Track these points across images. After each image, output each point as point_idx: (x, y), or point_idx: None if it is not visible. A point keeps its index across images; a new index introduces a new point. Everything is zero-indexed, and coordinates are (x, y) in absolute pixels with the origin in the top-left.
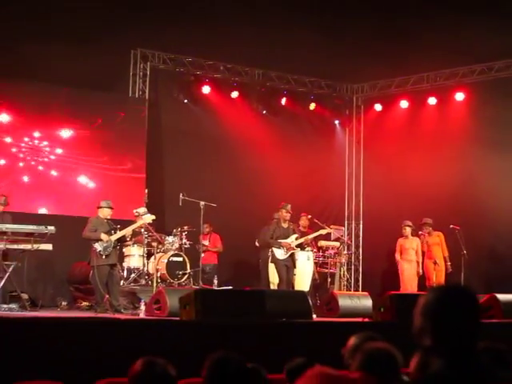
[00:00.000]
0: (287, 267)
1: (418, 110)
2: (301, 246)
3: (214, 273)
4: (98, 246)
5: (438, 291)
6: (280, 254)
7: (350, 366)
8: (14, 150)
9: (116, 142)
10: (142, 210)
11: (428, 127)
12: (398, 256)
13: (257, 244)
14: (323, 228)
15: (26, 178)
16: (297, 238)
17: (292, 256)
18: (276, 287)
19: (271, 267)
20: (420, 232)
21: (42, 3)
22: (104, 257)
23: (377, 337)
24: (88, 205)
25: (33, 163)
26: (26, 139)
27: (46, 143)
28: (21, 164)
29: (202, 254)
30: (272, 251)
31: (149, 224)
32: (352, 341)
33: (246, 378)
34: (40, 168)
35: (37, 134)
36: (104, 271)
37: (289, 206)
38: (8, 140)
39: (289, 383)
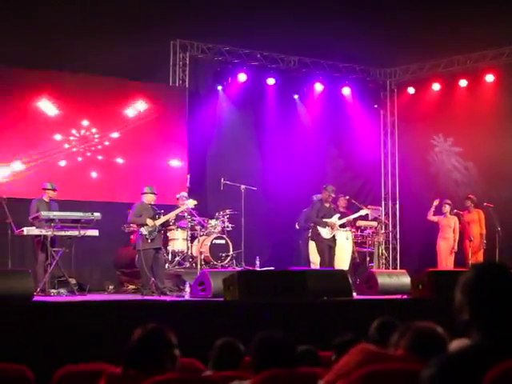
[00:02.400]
0: (330, 247)
1: (449, 92)
2: (342, 226)
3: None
4: (143, 231)
5: (475, 268)
6: (325, 233)
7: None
8: (60, 138)
9: (159, 130)
10: (183, 194)
11: (460, 108)
12: (429, 214)
13: (297, 227)
14: (361, 208)
15: (71, 167)
16: (339, 218)
17: (334, 236)
18: (317, 266)
19: (311, 247)
20: (456, 211)
21: None
22: (149, 241)
23: (395, 321)
24: (132, 191)
25: (77, 151)
26: (73, 130)
27: (90, 132)
28: (66, 151)
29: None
30: (316, 230)
31: (191, 208)
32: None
33: (291, 356)
34: (85, 156)
35: (82, 123)
36: (149, 255)
37: (332, 187)
38: (55, 129)
39: (336, 358)
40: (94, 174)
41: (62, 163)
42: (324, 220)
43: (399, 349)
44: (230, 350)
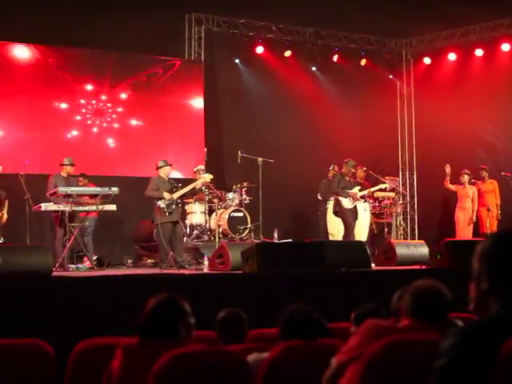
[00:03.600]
0: (353, 218)
1: (465, 61)
2: (363, 198)
3: (93, 225)
4: (161, 204)
5: (493, 237)
6: (347, 203)
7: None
8: (75, 114)
9: (175, 103)
10: (201, 167)
11: (476, 78)
12: (446, 183)
13: (319, 197)
14: (378, 179)
15: (88, 142)
16: (359, 190)
17: (355, 207)
18: (335, 238)
19: (330, 218)
20: (473, 180)
21: None
22: (167, 214)
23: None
24: (150, 165)
25: (93, 126)
26: (89, 106)
27: (106, 107)
28: (88, 122)
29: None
30: (339, 201)
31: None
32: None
33: (317, 329)
34: (102, 131)
35: (98, 98)
36: (167, 228)
37: (353, 162)
38: (72, 105)
39: (355, 328)
40: (111, 149)
41: (79, 138)
42: (345, 190)
43: (403, 318)
44: (232, 322)
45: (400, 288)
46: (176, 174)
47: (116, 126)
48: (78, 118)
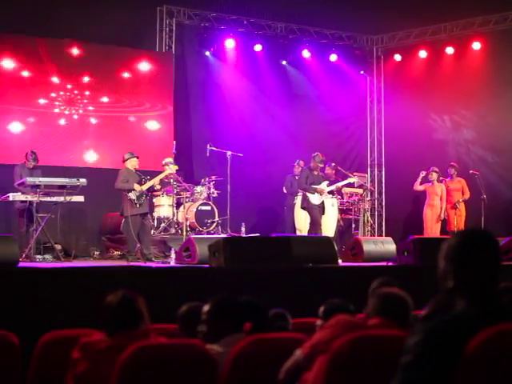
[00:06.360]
0: (320, 214)
1: (436, 59)
2: (331, 193)
3: None
4: (132, 196)
5: (459, 235)
6: (315, 199)
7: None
8: (45, 103)
9: (145, 95)
10: (169, 160)
11: (446, 76)
12: (416, 185)
13: (284, 191)
14: (348, 175)
15: (56, 132)
16: (327, 185)
17: (322, 202)
18: (302, 233)
19: (297, 213)
20: (441, 178)
21: None
22: (138, 206)
23: (393, 281)
24: (118, 157)
25: (62, 116)
26: (58, 96)
27: (76, 98)
28: (56, 111)
29: None
30: (306, 197)
31: (177, 174)
32: (373, 285)
33: (243, 317)
34: (71, 122)
35: (67, 88)
36: (137, 221)
37: (320, 157)
38: (41, 94)
39: (322, 324)
40: (79, 140)
41: (47, 128)
42: (313, 186)
43: (373, 317)
44: (194, 317)
45: (367, 285)
46: (145, 167)
47: (85, 117)
48: (47, 108)
